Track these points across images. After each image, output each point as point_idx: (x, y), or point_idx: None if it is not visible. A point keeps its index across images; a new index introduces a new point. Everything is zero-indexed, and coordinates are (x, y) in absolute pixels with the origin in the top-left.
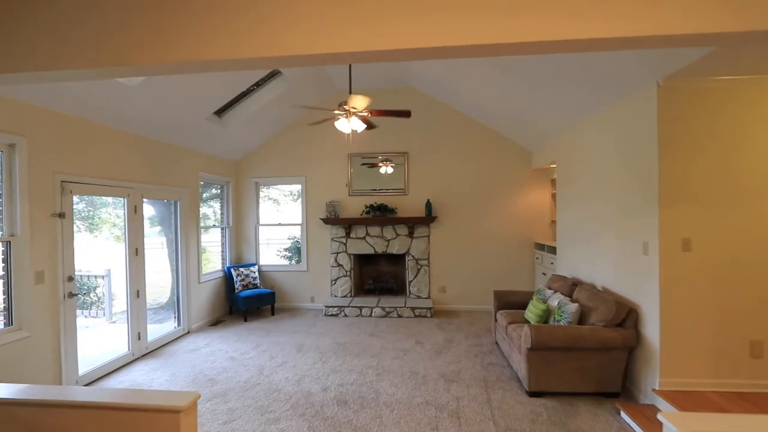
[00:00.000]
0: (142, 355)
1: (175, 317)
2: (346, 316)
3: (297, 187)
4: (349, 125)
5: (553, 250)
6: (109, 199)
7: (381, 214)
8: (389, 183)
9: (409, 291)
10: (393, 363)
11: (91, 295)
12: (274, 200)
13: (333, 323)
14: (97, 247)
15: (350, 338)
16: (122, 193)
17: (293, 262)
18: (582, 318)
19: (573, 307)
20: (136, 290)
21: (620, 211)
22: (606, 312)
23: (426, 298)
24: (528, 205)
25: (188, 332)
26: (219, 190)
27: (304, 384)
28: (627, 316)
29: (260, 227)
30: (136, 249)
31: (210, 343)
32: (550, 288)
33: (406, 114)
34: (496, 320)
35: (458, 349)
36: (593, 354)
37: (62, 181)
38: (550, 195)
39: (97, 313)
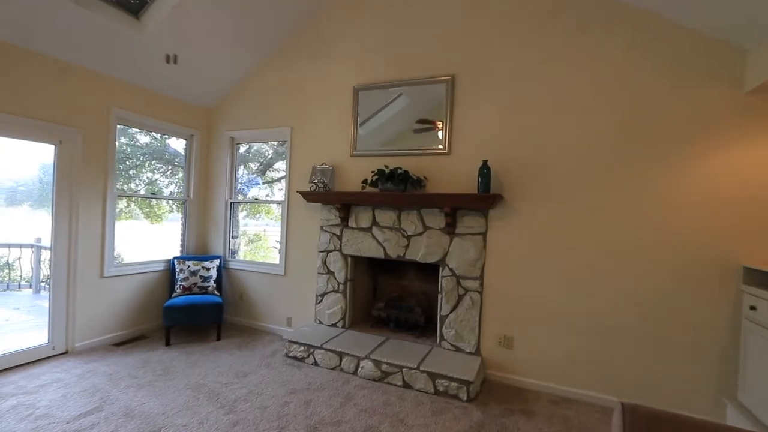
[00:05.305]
0: None
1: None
2: (315, 364)
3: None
4: None
5: None
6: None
7: (397, 188)
8: (417, 136)
9: (442, 333)
10: None
11: None
12: (259, 162)
13: (279, 379)
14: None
15: None
16: None
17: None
18: None
19: None
20: None
21: None
22: None
23: (470, 353)
24: (729, 181)
25: (65, 353)
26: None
27: None
28: None
29: (235, 204)
30: None
31: (47, 385)
32: None
33: None
34: None
35: None
36: None
37: None
38: None
39: None
